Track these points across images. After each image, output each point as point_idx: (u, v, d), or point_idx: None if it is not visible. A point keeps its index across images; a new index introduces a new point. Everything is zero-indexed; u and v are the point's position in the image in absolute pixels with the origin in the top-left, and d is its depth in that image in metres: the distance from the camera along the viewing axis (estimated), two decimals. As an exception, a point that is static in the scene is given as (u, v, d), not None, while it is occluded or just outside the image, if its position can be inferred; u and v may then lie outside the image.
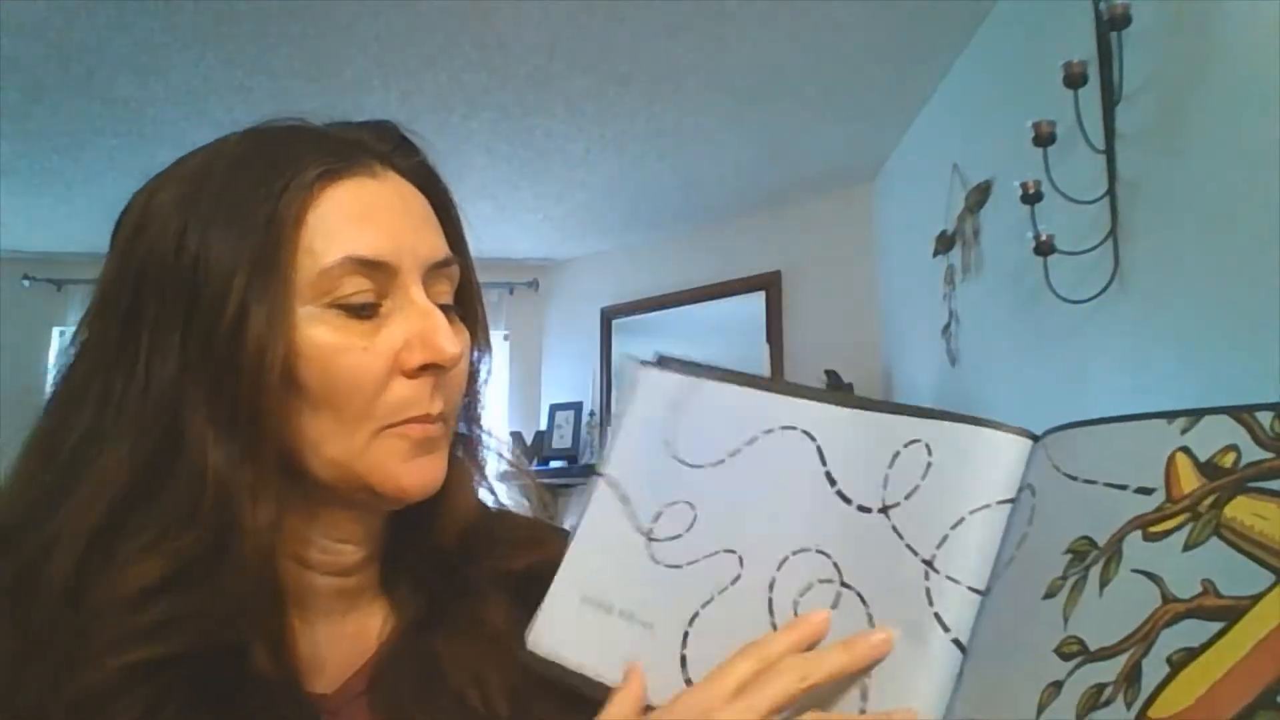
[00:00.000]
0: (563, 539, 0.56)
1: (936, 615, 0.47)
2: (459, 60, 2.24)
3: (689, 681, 0.50)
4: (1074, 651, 0.40)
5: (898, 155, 2.77)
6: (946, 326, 2.23)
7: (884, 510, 0.50)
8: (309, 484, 0.49)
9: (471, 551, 0.56)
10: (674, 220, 3.42)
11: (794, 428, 0.54)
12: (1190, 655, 0.36)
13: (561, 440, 3.64)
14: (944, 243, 2.23)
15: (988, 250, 2.01)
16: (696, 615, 0.52)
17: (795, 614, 0.50)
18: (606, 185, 3.09)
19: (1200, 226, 1.24)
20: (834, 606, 0.49)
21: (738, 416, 0.56)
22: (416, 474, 0.50)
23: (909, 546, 0.48)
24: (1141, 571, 0.40)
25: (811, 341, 3.07)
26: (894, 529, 0.49)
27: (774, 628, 0.50)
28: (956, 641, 0.46)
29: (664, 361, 0.60)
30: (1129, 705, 0.37)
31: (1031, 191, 1.57)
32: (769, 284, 3.22)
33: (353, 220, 0.49)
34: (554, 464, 3.57)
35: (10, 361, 3.55)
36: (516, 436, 3.58)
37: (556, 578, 0.55)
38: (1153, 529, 0.41)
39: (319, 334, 0.47)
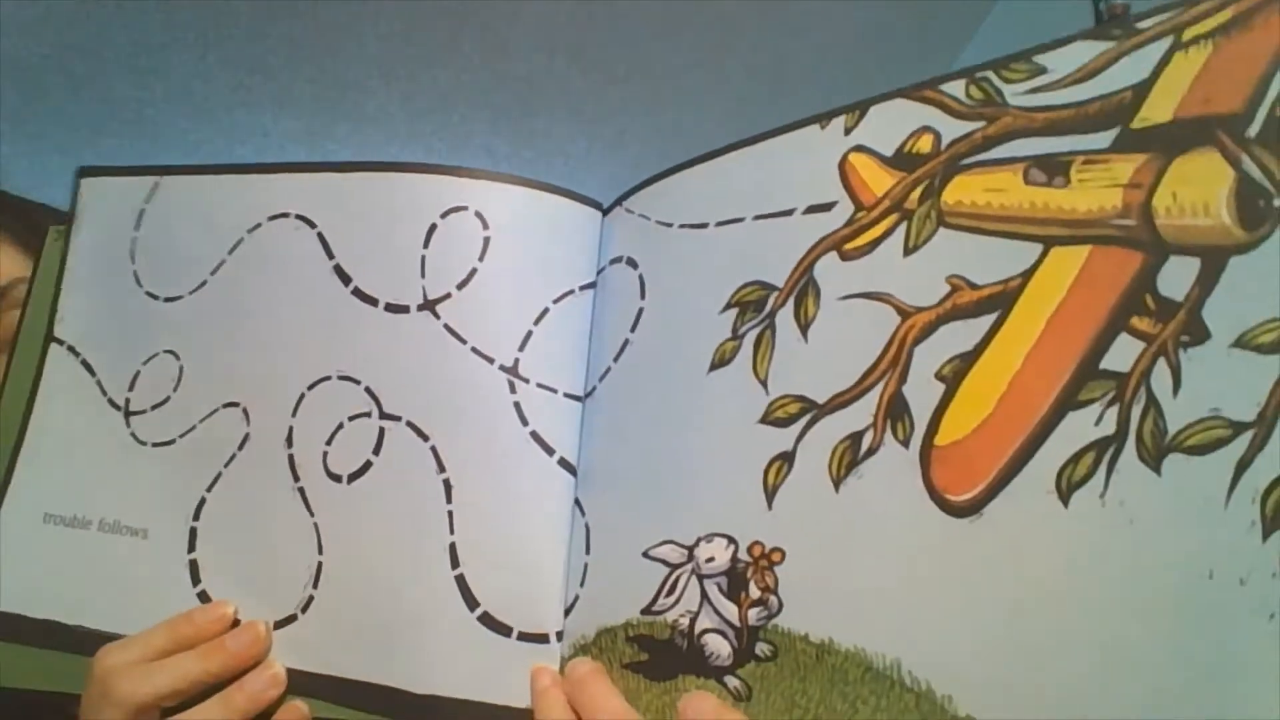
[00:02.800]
0: None
1: (535, 435, 0.37)
2: (459, 60, 2.24)
3: (205, 596, 0.38)
4: (795, 412, 0.33)
5: (898, 155, 2.76)
6: (946, 326, 2.22)
7: (428, 306, 0.37)
8: None
9: None
10: (674, 220, 3.41)
11: (286, 214, 0.39)
12: (966, 361, 0.30)
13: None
14: (944, 243, 2.22)
15: (988, 250, 2.00)
16: (203, 503, 0.39)
17: (327, 470, 0.37)
18: (607, 185, 3.08)
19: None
20: (376, 451, 0.37)
21: (216, 219, 0.41)
22: None
23: (477, 351, 0.37)
24: (856, 295, 0.32)
25: (811, 341, 3.06)
26: (449, 329, 0.37)
27: (303, 497, 0.37)
28: (564, 462, 0.37)
29: (111, 169, 0.43)
30: (905, 442, 0.30)
31: (1031, 191, 1.57)
32: (769, 284, 3.21)
33: None
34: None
35: (10, 361, 3.55)
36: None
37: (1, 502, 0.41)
38: (851, 245, 0.33)
39: None
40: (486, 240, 0.37)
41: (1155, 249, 0.27)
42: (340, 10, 2.02)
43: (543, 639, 0.36)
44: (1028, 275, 0.29)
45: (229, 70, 2.27)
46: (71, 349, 0.42)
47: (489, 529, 0.36)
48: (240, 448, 0.39)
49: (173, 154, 2.59)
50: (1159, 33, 0.30)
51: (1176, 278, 0.27)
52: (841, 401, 0.32)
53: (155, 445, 0.40)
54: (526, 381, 0.37)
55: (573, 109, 2.53)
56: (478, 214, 0.37)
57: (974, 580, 0.28)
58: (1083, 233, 0.29)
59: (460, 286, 0.37)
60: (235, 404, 0.39)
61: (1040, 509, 0.27)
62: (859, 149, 0.35)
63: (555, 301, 0.38)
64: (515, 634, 0.36)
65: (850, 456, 0.31)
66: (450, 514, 0.36)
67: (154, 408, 0.40)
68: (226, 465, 0.39)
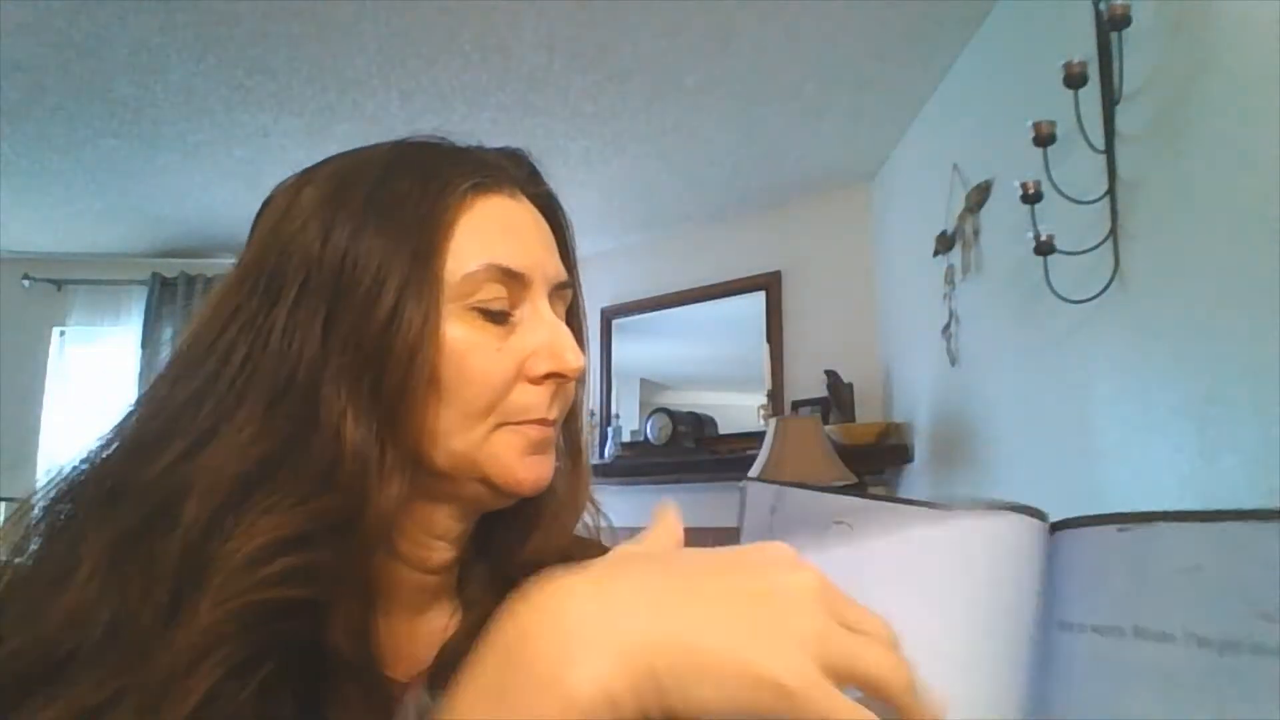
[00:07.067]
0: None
1: None
2: (459, 60, 2.24)
3: None
4: None
5: (898, 155, 2.76)
6: (946, 326, 2.22)
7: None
8: (424, 473, 0.51)
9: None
10: (674, 220, 3.41)
11: (840, 521, 0.57)
12: None
13: (561, 440, 3.64)
14: (944, 243, 2.22)
15: (988, 250, 2.00)
16: None
17: None
18: (606, 185, 3.08)
19: (1200, 226, 1.24)
20: None
21: (812, 515, 0.61)
22: (533, 469, 0.52)
23: None
24: None
25: (811, 341, 3.07)
26: None
27: None
28: None
29: (758, 479, 0.73)
30: None
31: (1031, 191, 1.57)
32: (769, 284, 3.21)
33: (498, 232, 0.53)
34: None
35: (10, 361, 3.55)
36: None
37: None
38: None
39: (457, 333, 0.50)
40: None
41: None
42: (340, 10, 2.02)
43: None
44: None
45: (229, 70, 2.28)
46: None
47: None
48: None
49: (173, 154, 2.58)
50: None
51: None
52: None
53: None
54: None
55: (573, 109, 2.54)
56: None
57: None
58: None
59: None
60: None
61: None
62: None
63: None
64: None
65: None
66: None
67: None
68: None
